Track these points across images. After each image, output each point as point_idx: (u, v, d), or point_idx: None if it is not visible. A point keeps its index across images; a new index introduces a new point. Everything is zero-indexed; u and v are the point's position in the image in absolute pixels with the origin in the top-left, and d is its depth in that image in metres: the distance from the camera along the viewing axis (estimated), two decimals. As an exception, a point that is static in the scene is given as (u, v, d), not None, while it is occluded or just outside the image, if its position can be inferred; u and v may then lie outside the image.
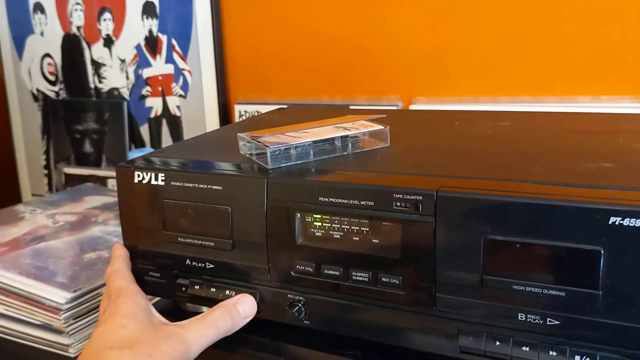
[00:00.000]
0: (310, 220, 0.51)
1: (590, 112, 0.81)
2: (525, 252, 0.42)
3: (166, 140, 1.25)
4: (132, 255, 0.61)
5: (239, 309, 0.53)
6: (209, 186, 0.54)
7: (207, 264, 0.56)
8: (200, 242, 0.56)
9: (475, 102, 0.96)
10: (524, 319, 0.43)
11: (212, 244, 0.55)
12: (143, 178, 0.57)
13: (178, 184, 0.55)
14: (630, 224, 0.39)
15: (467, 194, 0.44)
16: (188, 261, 0.57)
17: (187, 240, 0.57)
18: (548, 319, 0.42)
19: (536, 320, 0.43)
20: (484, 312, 0.45)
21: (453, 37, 0.96)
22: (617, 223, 0.39)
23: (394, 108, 1.01)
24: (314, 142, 0.56)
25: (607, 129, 0.64)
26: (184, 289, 0.58)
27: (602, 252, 0.40)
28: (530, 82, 0.93)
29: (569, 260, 0.41)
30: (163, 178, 0.56)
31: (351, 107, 1.04)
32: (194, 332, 0.50)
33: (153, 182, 0.56)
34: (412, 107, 0.99)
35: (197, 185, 0.55)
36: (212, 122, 1.18)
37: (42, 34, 1.35)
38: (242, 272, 0.55)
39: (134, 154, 0.95)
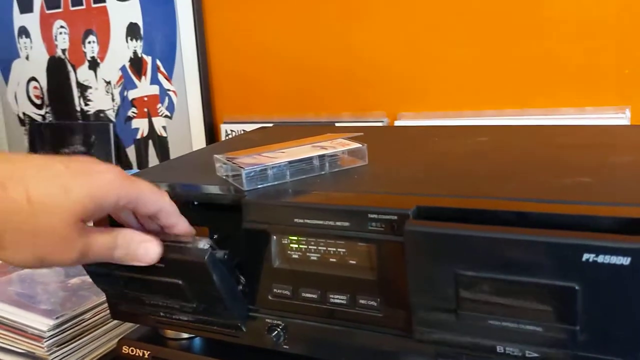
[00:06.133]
0: (286, 242, 0.50)
1: (572, 125, 0.81)
2: (498, 288, 0.40)
3: (153, 160, 1.25)
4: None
5: (142, 253, 0.48)
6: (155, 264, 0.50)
7: (180, 317, 0.55)
8: (165, 303, 0.54)
9: (459, 116, 0.96)
10: (502, 351, 0.42)
11: (177, 306, 0.53)
12: None
13: None
14: (605, 261, 0.37)
15: (436, 228, 0.42)
16: (162, 313, 0.56)
17: (152, 302, 0.54)
18: (527, 351, 0.41)
19: (515, 353, 0.41)
20: (461, 342, 0.43)
21: (434, 53, 0.96)
22: (591, 260, 0.37)
23: (380, 124, 1.01)
24: (290, 162, 0.55)
25: (587, 142, 0.63)
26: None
27: (576, 288, 0.38)
28: (514, 95, 0.93)
29: (545, 297, 0.39)
30: None
31: (337, 124, 1.03)
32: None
33: None
34: (397, 123, 0.99)
35: None
36: (198, 141, 1.18)
37: (27, 57, 1.35)
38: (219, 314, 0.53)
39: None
